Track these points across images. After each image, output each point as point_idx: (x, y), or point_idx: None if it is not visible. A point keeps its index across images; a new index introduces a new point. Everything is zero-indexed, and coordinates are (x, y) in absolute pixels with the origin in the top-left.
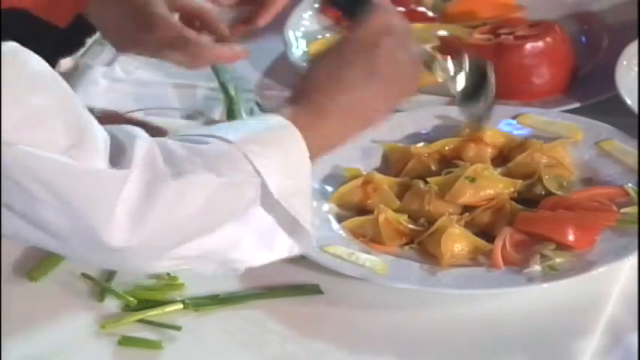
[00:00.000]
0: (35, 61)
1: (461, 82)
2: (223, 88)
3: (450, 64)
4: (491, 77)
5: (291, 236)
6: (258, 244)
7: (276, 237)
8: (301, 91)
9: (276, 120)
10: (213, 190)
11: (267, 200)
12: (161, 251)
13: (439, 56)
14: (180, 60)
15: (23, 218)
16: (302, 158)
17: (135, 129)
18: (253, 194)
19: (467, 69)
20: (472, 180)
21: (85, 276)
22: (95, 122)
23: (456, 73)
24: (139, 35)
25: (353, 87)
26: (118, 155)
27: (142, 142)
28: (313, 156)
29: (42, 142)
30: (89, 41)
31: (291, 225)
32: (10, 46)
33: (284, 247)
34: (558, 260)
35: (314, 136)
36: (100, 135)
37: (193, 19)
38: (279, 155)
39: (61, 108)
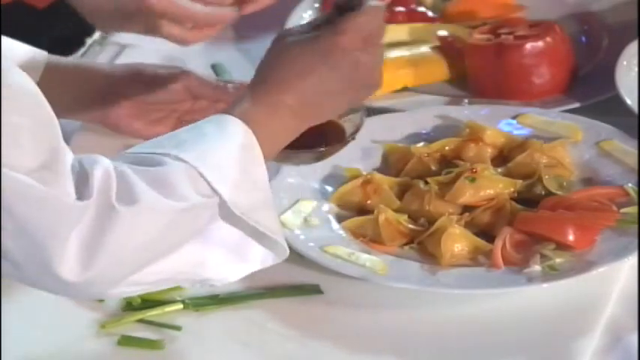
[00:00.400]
0: (18, 79)
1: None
2: None
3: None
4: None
5: (264, 246)
6: (228, 259)
7: (248, 249)
8: (264, 82)
9: (231, 126)
10: (169, 217)
11: (231, 215)
12: (117, 280)
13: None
14: (176, 34)
15: None
16: (260, 169)
17: (97, 156)
18: (210, 214)
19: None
20: (472, 180)
21: None
22: (67, 148)
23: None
24: (129, 10)
25: (313, 88)
26: (82, 182)
27: (99, 171)
28: (265, 156)
29: (12, 160)
30: (89, 41)
31: (260, 236)
32: None
33: (257, 257)
34: (558, 260)
35: (268, 137)
36: (69, 160)
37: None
38: (237, 170)
39: (36, 128)
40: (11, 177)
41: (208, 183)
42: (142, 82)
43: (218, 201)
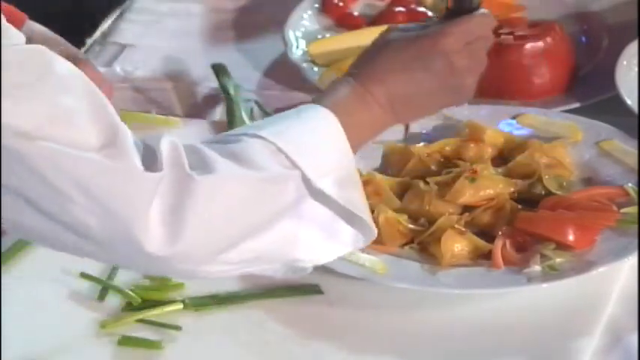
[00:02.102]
0: (62, 63)
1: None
2: (223, 88)
3: None
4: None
5: (352, 226)
6: (321, 239)
7: (338, 229)
8: (359, 73)
9: (314, 110)
10: (250, 187)
11: (318, 193)
12: (210, 256)
13: None
14: None
15: (52, 219)
16: (344, 149)
17: (159, 133)
18: (295, 187)
19: None
20: (472, 180)
21: (84, 276)
22: (125, 126)
23: None
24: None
25: (404, 85)
26: (149, 158)
27: (164, 144)
28: (353, 148)
29: (73, 140)
30: (89, 41)
31: (348, 215)
32: (37, 48)
33: (348, 238)
34: (558, 260)
35: (356, 129)
36: (130, 136)
37: None
38: (317, 145)
39: (91, 108)
40: (81, 157)
41: (287, 155)
42: None
43: (300, 174)
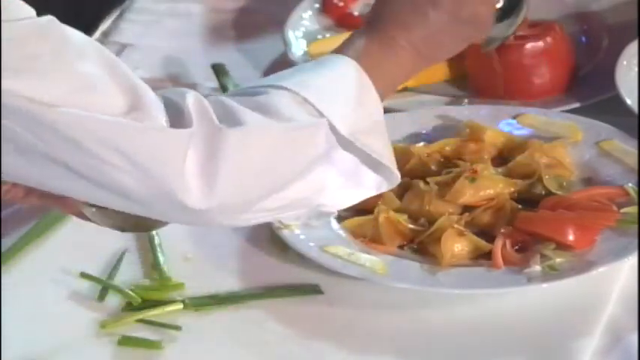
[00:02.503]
0: (75, 33)
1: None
2: (223, 88)
3: None
4: (524, 7)
5: (377, 173)
6: (345, 185)
7: (362, 175)
8: (377, 18)
9: (336, 60)
10: (281, 136)
11: (344, 140)
12: (247, 205)
13: None
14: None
15: (91, 182)
16: (369, 96)
17: (182, 88)
18: (324, 135)
19: None
20: (472, 180)
21: (84, 276)
22: (146, 85)
23: None
24: None
25: (428, 23)
26: (175, 115)
27: (190, 100)
28: (380, 93)
29: (100, 107)
30: None
31: (373, 162)
32: (49, 19)
33: (372, 183)
34: (558, 260)
35: (383, 74)
36: (154, 97)
37: None
38: (342, 95)
39: (111, 74)
40: (110, 121)
41: (313, 105)
42: None
43: (328, 123)
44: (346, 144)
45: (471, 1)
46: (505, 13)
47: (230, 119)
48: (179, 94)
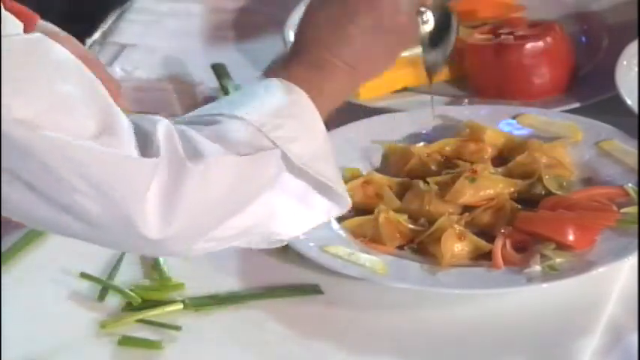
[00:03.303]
0: (59, 51)
1: (427, 29)
2: (223, 88)
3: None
4: (454, 26)
5: (327, 198)
6: (296, 211)
7: (313, 200)
8: (301, 43)
9: (280, 85)
10: (237, 169)
11: (294, 167)
12: (199, 235)
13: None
14: None
15: (49, 202)
16: (315, 121)
17: (154, 116)
18: (276, 164)
19: (432, 18)
20: (472, 180)
21: (84, 276)
22: (120, 110)
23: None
24: None
25: (352, 40)
26: (145, 143)
27: (161, 129)
28: (324, 117)
29: (72, 128)
30: (89, 41)
31: (323, 188)
32: (35, 36)
33: (322, 208)
34: (558, 260)
35: (321, 96)
36: (126, 122)
37: None
38: (292, 122)
39: (87, 95)
40: (79, 145)
41: (266, 135)
42: None
43: (279, 152)
44: (297, 170)
45: (387, 12)
46: (437, 37)
47: (193, 152)
48: (151, 122)
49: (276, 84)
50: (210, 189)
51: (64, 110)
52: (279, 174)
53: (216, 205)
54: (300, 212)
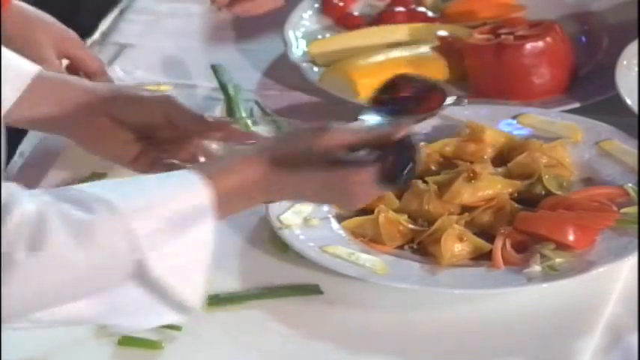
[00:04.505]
0: None
1: None
2: (223, 88)
3: None
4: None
5: (170, 307)
6: (135, 313)
7: (160, 309)
8: (269, 175)
9: (196, 184)
10: (75, 270)
11: (149, 279)
12: (17, 317)
13: None
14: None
15: None
16: (205, 237)
17: (20, 195)
18: (129, 271)
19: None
20: (472, 180)
21: None
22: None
23: None
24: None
25: (308, 198)
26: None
27: (18, 213)
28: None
29: None
30: (89, 41)
31: (169, 299)
32: None
33: (165, 316)
34: (558, 260)
35: (227, 203)
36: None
37: (79, 69)
38: (173, 234)
39: None
40: None
41: (137, 240)
42: (121, 100)
43: (141, 260)
44: (144, 279)
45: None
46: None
47: (34, 241)
48: (9, 204)
49: (194, 181)
50: (36, 284)
51: None
52: (128, 281)
53: (38, 297)
54: (143, 317)
